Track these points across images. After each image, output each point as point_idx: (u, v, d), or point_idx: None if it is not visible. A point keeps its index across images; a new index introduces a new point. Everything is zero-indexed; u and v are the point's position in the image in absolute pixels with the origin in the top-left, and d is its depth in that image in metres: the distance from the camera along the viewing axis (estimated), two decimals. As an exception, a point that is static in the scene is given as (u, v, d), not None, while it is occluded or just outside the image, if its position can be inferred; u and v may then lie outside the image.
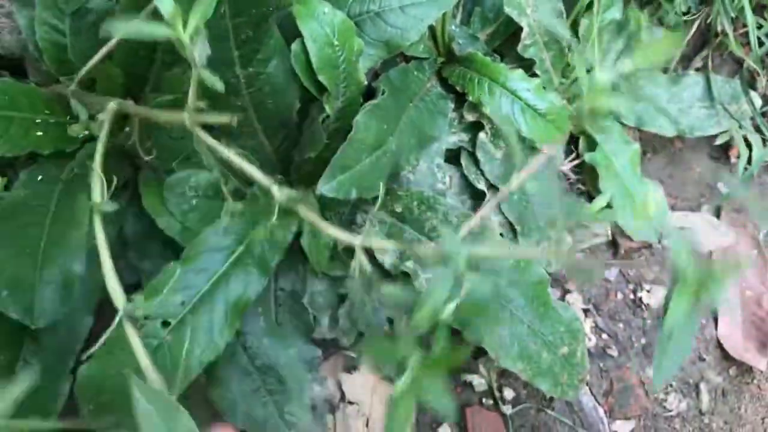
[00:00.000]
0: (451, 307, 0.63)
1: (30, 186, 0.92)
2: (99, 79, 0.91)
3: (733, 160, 1.38)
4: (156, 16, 0.86)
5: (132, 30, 0.53)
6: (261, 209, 0.98)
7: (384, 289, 0.65)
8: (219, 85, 0.59)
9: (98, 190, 0.73)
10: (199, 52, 0.57)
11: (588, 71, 1.27)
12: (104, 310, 1.01)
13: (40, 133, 0.91)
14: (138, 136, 0.88)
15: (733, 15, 1.25)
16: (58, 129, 0.93)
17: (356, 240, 0.69)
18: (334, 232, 0.71)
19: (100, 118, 0.79)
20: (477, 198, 1.18)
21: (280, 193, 0.66)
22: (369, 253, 0.80)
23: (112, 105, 0.80)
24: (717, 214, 1.34)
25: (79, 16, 0.90)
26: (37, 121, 0.91)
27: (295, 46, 0.90)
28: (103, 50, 0.84)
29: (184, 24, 0.56)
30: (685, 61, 1.39)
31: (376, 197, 1.00)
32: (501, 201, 1.17)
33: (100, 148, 0.77)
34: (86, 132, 0.91)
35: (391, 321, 1.06)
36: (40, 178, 0.93)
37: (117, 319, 0.65)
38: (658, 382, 0.58)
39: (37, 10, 0.90)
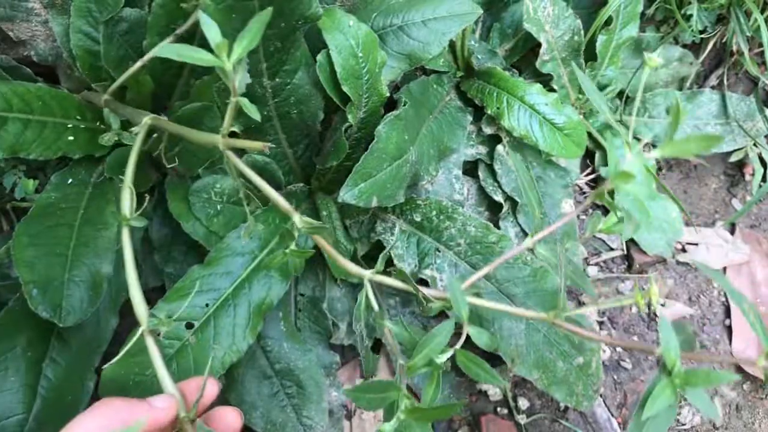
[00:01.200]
0: (446, 355, 0.64)
1: (60, 189, 0.94)
2: (129, 86, 0.93)
3: (747, 177, 1.39)
4: (191, 36, 0.90)
5: (182, 54, 0.56)
6: (283, 216, 1.00)
7: (387, 327, 0.67)
8: (256, 115, 0.61)
9: (128, 203, 0.75)
10: (239, 80, 0.60)
11: (603, 87, 1.29)
12: (129, 309, 1.03)
13: (71, 138, 0.94)
14: (166, 142, 0.91)
15: (748, 34, 1.27)
16: (89, 134, 0.96)
17: (366, 273, 0.71)
18: (345, 264, 0.73)
19: (134, 131, 0.81)
20: (494, 210, 1.20)
21: (300, 221, 0.68)
22: (389, 259, 0.82)
23: (147, 120, 0.82)
24: (731, 230, 1.35)
25: (112, 25, 0.92)
26: (68, 126, 0.94)
27: (320, 57, 0.93)
28: (138, 63, 0.87)
29: (229, 52, 0.58)
30: (701, 78, 1.41)
31: (396, 205, 1.02)
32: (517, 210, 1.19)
33: (132, 161, 0.79)
34: (117, 141, 0.93)
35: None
36: (70, 181, 0.95)
37: (138, 333, 0.67)
38: None
39: (72, 18, 0.93)
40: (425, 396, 0.67)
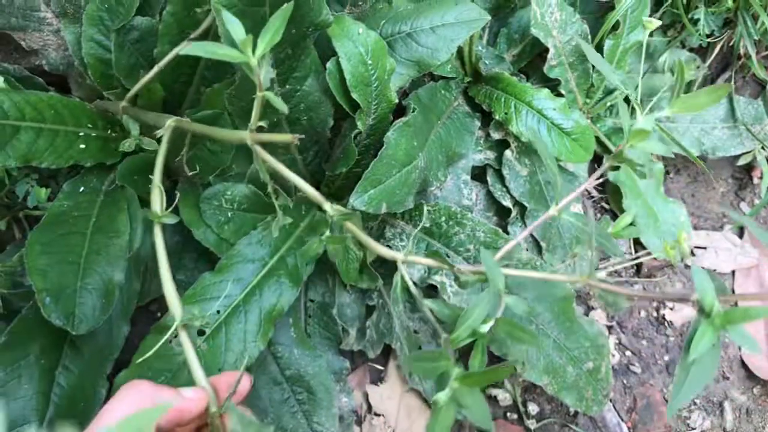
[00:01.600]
0: (488, 324, 0.65)
1: (72, 197, 0.95)
2: (141, 94, 0.94)
3: (755, 180, 1.39)
4: (202, 38, 0.91)
5: (209, 51, 0.57)
6: (293, 222, 1.01)
7: (427, 304, 0.67)
8: (283, 107, 0.62)
9: (158, 201, 0.76)
10: (264, 75, 0.60)
11: (611, 92, 1.29)
12: (140, 317, 1.04)
13: (83, 146, 0.94)
14: (188, 146, 0.91)
15: (756, 38, 1.27)
16: (100, 142, 0.97)
17: (399, 256, 0.71)
18: (378, 248, 0.74)
19: (158, 134, 0.82)
20: (503, 214, 1.20)
21: (332, 209, 0.69)
22: (394, 266, 0.83)
23: (171, 122, 0.83)
24: (740, 233, 1.35)
25: (123, 33, 0.93)
26: (80, 134, 0.94)
27: (330, 64, 0.93)
28: (154, 70, 0.88)
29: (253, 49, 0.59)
30: (708, 82, 1.41)
31: (405, 211, 1.03)
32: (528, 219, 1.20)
33: (159, 162, 0.80)
34: (137, 147, 0.94)
35: (417, 332, 1.08)
36: (81, 189, 0.96)
37: (173, 327, 0.67)
38: (675, 407, 0.60)
39: (84, 27, 0.94)
40: (473, 364, 0.68)
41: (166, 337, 0.66)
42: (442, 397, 0.62)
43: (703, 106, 0.69)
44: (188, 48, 0.57)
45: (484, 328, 0.64)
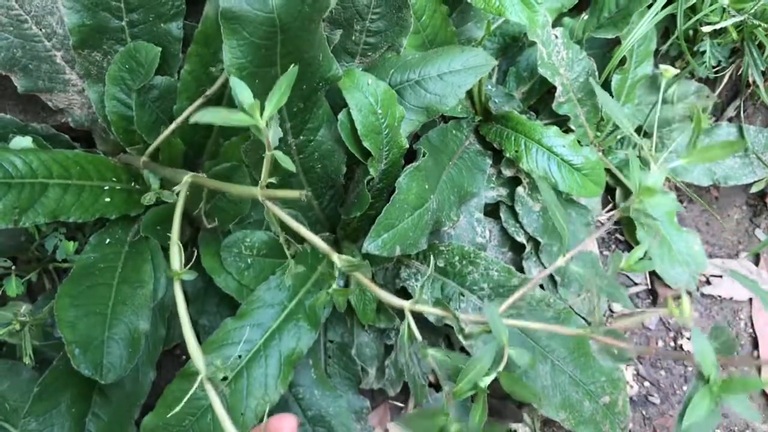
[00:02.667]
0: (489, 378, 0.67)
1: (99, 249, 0.99)
2: (162, 148, 0.98)
3: (770, 206, 1.40)
4: (219, 97, 0.95)
5: (218, 117, 0.60)
6: (310, 266, 1.04)
7: (430, 354, 0.70)
8: (291, 166, 0.65)
9: (177, 258, 0.79)
10: (272, 135, 0.64)
11: (618, 126, 1.31)
12: (165, 362, 1.07)
13: (108, 200, 0.98)
14: (206, 199, 0.95)
15: (762, 68, 1.29)
16: (125, 195, 1.01)
17: (406, 305, 0.74)
18: (385, 296, 0.76)
19: (176, 190, 0.86)
20: (517, 250, 1.22)
21: (340, 261, 0.71)
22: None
23: (187, 178, 0.87)
24: (756, 260, 1.35)
25: (144, 92, 0.98)
26: (105, 188, 0.99)
27: (341, 115, 0.97)
28: (172, 126, 0.92)
29: (261, 110, 0.62)
30: (719, 111, 1.43)
31: (419, 252, 1.05)
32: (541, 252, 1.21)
33: (177, 217, 0.84)
34: (157, 200, 0.98)
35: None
36: (108, 241, 1.00)
37: (198, 381, 0.70)
38: None
39: (107, 86, 0.98)
40: (473, 419, 0.69)
41: (194, 388, 0.69)
42: None
43: (717, 158, 0.70)
44: (200, 115, 0.61)
45: (485, 382, 0.66)
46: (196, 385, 0.70)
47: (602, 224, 1.36)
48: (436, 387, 1.12)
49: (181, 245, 0.80)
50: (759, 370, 1.24)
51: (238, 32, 0.80)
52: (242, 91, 0.67)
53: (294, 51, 0.85)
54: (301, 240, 0.97)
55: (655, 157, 0.73)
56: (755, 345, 1.27)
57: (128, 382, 0.95)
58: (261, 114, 0.67)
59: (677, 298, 1.31)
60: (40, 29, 0.98)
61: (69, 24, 0.94)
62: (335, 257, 0.73)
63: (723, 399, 0.58)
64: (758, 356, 1.25)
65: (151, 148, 0.96)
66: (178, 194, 0.86)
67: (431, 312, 0.75)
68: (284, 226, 0.80)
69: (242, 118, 0.66)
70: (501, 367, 0.66)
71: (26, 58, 0.99)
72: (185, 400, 0.77)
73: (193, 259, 0.85)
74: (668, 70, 0.82)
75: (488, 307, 0.67)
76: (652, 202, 0.67)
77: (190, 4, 1.00)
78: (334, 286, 0.75)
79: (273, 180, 0.76)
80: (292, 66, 0.70)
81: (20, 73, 0.99)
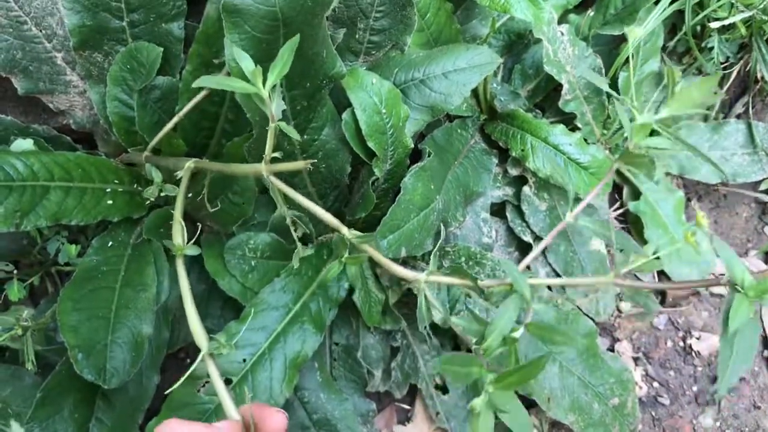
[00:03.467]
0: (519, 331, 0.66)
1: (101, 252, 0.98)
2: (164, 149, 0.97)
3: (779, 204, 1.38)
4: (221, 97, 0.94)
5: (221, 83, 0.59)
6: (315, 268, 1.03)
7: (453, 322, 0.69)
8: (295, 134, 0.64)
9: (179, 234, 0.79)
10: (275, 107, 0.63)
11: (631, 120, 1.30)
12: (169, 365, 1.06)
13: (110, 202, 0.97)
14: (201, 200, 0.94)
15: (771, 64, 1.27)
16: (127, 197, 1.00)
17: (421, 276, 0.73)
18: (398, 269, 0.75)
19: (178, 175, 0.85)
20: (524, 250, 1.21)
21: (350, 233, 0.71)
22: (415, 306, 0.84)
23: (190, 163, 0.86)
24: (765, 258, 1.34)
25: (145, 92, 0.97)
26: (107, 190, 0.98)
27: (345, 115, 0.96)
28: (174, 119, 0.91)
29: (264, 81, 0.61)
30: (726, 108, 1.41)
31: (425, 253, 1.04)
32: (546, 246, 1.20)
33: (180, 198, 0.84)
34: (160, 194, 0.97)
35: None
36: (110, 243, 0.99)
37: (200, 356, 0.69)
38: (726, 384, 0.60)
39: (108, 87, 0.97)
40: (508, 366, 0.68)
41: (196, 363, 0.68)
42: (478, 402, 0.61)
43: (696, 99, 0.69)
44: (202, 80, 0.60)
45: (516, 335, 0.65)
46: (198, 359, 0.69)
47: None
48: (443, 389, 1.11)
49: (183, 223, 0.79)
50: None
51: (239, 26, 0.79)
52: (243, 59, 0.66)
53: (297, 46, 0.83)
54: (308, 221, 0.96)
55: (639, 108, 0.72)
56: (765, 344, 1.25)
57: (132, 386, 0.94)
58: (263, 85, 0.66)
59: (686, 297, 1.30)
60: (40, 30, 0.97)
61: (69, 25, 0.93)
62: (345, 230, 0.72)
63: (761, 300, 0.58)
64: (769, 356, 1.24)
65: (151, 145, 0.95)
66: (180, 180, 0.85)
67: (447, 281, 0.74)
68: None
69: (244, 86, 0.65)
70: (528, 319, 0.65)
71: (26, 59, 0.98)
72: (185, 397, 0.76)
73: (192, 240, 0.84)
74: (674, 72, 0.81)
75: (508, 266, 0.66)
76: (650, 142, 0.66)
77: (191, 4, 0.99)
78: (346, 255, 0.74)
79: (277, 155, 0.75)
80: (294, 67, 0.69)
81: (21, 75, 0.98)
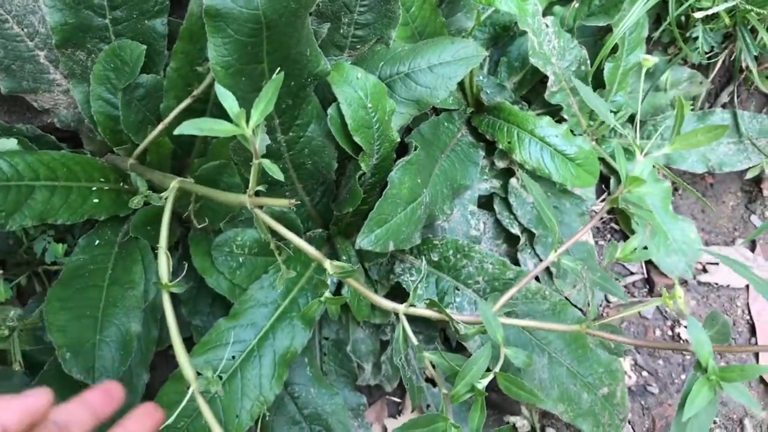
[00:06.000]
0: (487, 379, 0.66)
1: (88, 250, 0.98)
2: (150, 148, 0.97)
3: (765, 192, 1.39)
4: (206, 95, 0.93)
5: (203, 128, 0.59)
6: (304, 263, 1.03)
7: (426, 357, 0.69)
8: (279, 175, 0.63)
9: (165, 269, 0.77)
10: (259, 143, 0.62)
11: (615, 112, 1.30)
12: (159, 362, 1.06)
13: (96, 200, 0.97)
14: (194, 203, 0.94)
15: (755, 53, 1.28)
16: (113, 195, 0.99)
17: (400, 308, 0.73)
18: (378, 300, 0.75)
19: (163, 196, 0.84)
20: (512, 242, 1.21)
21: (331, 267, 0.70)
22: (407, 297, 0.84)
23: (174, 183, 0.85)
24: (752, 247, 1.34)
25: (129, 91, 0.96)
26: (93, 189, 0.97)
27: (331, 110, 0.95)
28: (159, 127, 0.91)
29: (247, 119, 0.61)
30: (712, 97, 1.42)
31: (413, 246, 1.04)
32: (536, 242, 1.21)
33: (164, 226, 0.81)
34: (145, 204, 0.97)
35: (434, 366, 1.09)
36: (97, 242, 0.99)
37: (189, 394, 0.69)
38: None
39: (92, 86, 0.97)
40: (471, 422, 0.68)
41: (184, 403, 0.68)
42: None
43: (701, 144, 0.70)
44: (182, 127, 0.59)
45: (483, 384, 0.65)
46: (188, 395, 0.69)
47: (595, 212, 1.35)
48: (434, 382, 1.11)
49: (169, 255, 0.78)
50: (757, 357, 1.24)
51: (222, 30, 0.78)
52: (227, 99, 0.65)
53: (280, 48, 0.83)
54: (296, 231, 0.96)
55: (640, 147, 0.73)
56: (753, 332, 1.26)
57: (122, 384, 0.94)
58: (247, 122, 0.65)
59: (672, 287, 1.30)
60: (22, 29, 0.96)
61: (51, 23, 0.93)
62: (327, 263, 0.72)
63: (721, 388, 0.58)
64: (756, 343, 1.25)
65: (139, 149, 0.95)
66: (165, 200, 0.84)
67: (425, 314, 0.74)
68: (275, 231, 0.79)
69: (228, 128, 0.64)
70: (498, 368, 0.65)
71: (9, 58, 0.97)
72: (182, 405, 0.76)
73: (185, 264, 0.83)
74: (648, 60, 0.81)
75: (483, 306, 0.66)
76: (641, 192, 0.66)
77: (174, 1, 0.98)
78: (327, 294, 0.74)
79: (261, 188, 0.75)
80: (278, 70, 0.68)
81: (3, 74, 0.98)
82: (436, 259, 1.07)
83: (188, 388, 0.73)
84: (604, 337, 0.70)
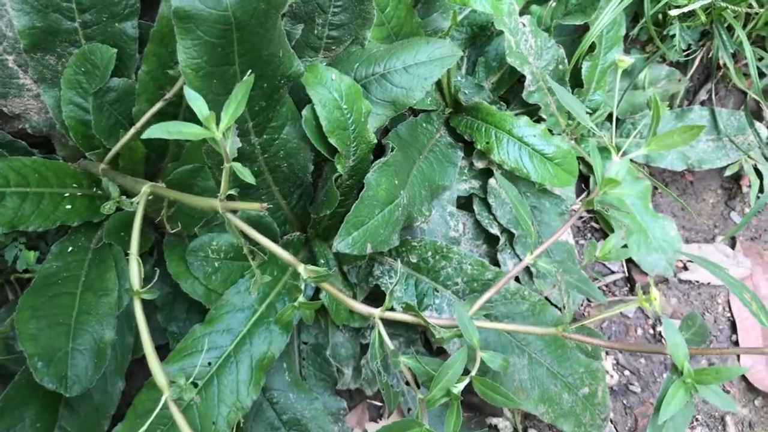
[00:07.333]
0: (462, 384, 0.66)
1: (61, 257, 0.96)
2: (123, 153, 0.95)
3: (745, 189, 1.39)
4: (179, 98, 0.92)
5: (173, 131, 0.58)
6: (281, 268, 1.02)
7: (402, 362, 0.68)
8: (251, 179, 0.62)
9: (136, 275, 0.76)
10: (230, 146, 0.61)
11: (593, 112, 1.30)
12: (135, 370, 1.05)
13: (69, 206, 0.96)
14: (166, 208, 0.93)
15: (731, 50, 1.28)
16: (86, 201, 0.98)
17: (375, 312, 0.72)
18: (353, 305, 0.74)
19: (135, 201, 0.83)
20: (491, 242, 1.20)
21: (306, 272, 0.69)
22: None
23: (146, 188, 0.84)
24: (732, 244, 1.35)
25: (101, 95, 0.95)
26: (65, 195, 0.96)
27: (305, 112, 0.94)
28: (131, 131, 0.89)
29: (217, 122, 0.60)
30: (691, 94, 1.42)
31: (392, 248, 1.03)
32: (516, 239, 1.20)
33: (135, 231, 0.80)
34: (117, 210, 0.95)
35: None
36: (70, 249, 0.97)
37: (162, 401, 0.67)
38: None
39: (63, 91, 0.95)
40: (447, 427, 0.68)
41: (157, 410, 0.66)
42: None
43: (677, 144, 0.69)
44: (151, 130, 0.58)
45: (458, 389, 0.65)
46: (161, 404, 0.67)
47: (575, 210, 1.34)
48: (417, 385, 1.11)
49: (140, 261, 0.77)
50: (738, 357, 1.24)
51: (192, 31, 0.77)
52: (196, 102, 0.65)
53: (252, 49, 0.82)
54: (272, 235, 0.95)
55: (617, 147, 0.72)
56: (733, 329, 1.26)
57: (96, 393, 0.93)
58: (218, 124, 0.64)
59: (655, 285, 1.30)
60: (-11, 33, 0.95)
61: (18, 27, 0.91)
62: (301, 268, 0.71)
63: (697, 391, 0.57)
64: (737, 340, 1.25)
65: (111, 154, 0.93)
66: (137, 205, 0.83)
67: (401, 319, 0.74)
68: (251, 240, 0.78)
69: (197, 131, 0.63)
70: (474, 371, 0.65)
71: (-24, 63, 0.95)
72: (156, 411, 0.75)
73: (157, 270, 0.81)
74: (623, 61, 0.81)
75: (459, 309, 0.66)
76: (617, 193, 0.66)
77: (144, 3, 0.97)
78: (301, 298, 0.73)
79: (233, 192, 0.74)
80: (249, 72, 0.67)
81: (-28, 79, 0.96)
82: (414, 260, 1.06)
83: (162, 396, 0.72)
84: (581, 340, 0.69)
